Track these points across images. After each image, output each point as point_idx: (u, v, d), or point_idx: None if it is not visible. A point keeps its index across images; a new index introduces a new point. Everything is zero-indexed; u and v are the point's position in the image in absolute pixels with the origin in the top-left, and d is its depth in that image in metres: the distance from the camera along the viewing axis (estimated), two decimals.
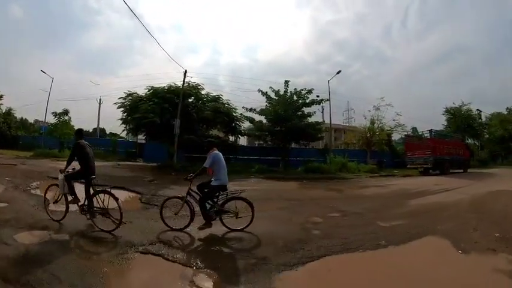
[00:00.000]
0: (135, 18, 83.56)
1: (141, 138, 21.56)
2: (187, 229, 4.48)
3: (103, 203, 4.37)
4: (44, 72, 22.97)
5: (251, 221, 4.51)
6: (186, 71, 15.83)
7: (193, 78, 16.63)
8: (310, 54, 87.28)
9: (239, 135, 18.26)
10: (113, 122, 47.10)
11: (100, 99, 30.12)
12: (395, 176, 16.24)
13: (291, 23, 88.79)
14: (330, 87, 19.06)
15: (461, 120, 28.97)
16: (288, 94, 16.44)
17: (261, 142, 18.99)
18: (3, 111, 29.62)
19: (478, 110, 30.71)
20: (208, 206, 4.52)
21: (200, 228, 4.41)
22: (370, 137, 19.97)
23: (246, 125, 18.32)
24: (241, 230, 4.50)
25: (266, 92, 16.66)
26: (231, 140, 18.19)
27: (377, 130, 20.32)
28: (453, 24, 74.63)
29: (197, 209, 4.60)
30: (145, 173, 12.61)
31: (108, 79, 66.94)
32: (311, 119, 16.57)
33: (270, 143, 17.24)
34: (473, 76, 71.76)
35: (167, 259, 3.42)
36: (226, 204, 4.62)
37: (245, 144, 23.42)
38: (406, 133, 24.15)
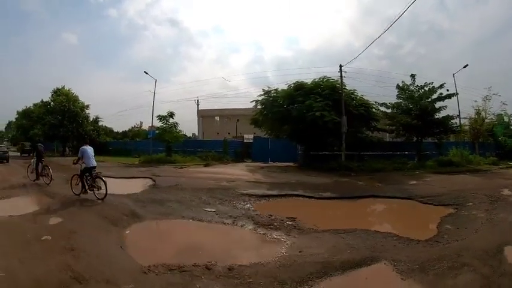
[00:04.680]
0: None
1: (247, 137, 23.44)
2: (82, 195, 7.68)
3: None
4: (146, 73, 25.52)
5: (105, 194, 7.33)
6: (341, 66, 16.82)
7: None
8: (358, 37, 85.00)
9: (373, 131, 19.20)
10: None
11: (198, 101, 33.09)
12: None
13: (333, 6, 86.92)
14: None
15: None
16: (417, 88, 17.82)
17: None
18: (92, 119, 33.02)
19: None
20: (86, 181, 7.72)
21: (82, 193, 7.72)
22: (479, 128, 20.81)
23: None
24: (101, 200, 7.30)
25: (403, 87, 18.00)
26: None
27: (480, 121, 21.16)
28: None
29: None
30: (324, 176, 12.95)
31: (162, 86, 73.41)
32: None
33: (399, 138, 18.65)
34: None
35: None
36: (97, 180, 7.63)
37: None
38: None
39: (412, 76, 18.15)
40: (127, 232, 5.30)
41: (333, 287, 3.34)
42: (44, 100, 33.61)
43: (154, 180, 11.41)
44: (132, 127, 44.99)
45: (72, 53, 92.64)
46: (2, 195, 8.18)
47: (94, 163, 7.88)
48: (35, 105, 35.75)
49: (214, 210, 6.78)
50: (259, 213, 6.46)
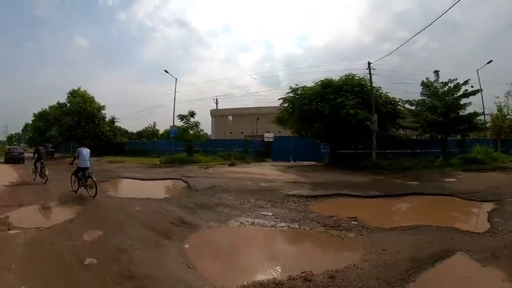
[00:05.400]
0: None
1: (268, 136, 24.06)
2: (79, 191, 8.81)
3: None
4: (167, 72, 26.35)
5: (95, 193, 8.26)
6: (369, 63, 17.11)
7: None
8: (368, 33, 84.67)
9: (397, 128, 19.72)
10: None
11: (216, 99, 34.21)
12: None
13: (342, 2, 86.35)
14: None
15: None
16: (442, 84, 18.26)
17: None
18: (108, 120, 34.00)
19: None
20: (80, 179, 8.78)
21: (76, 191, 8.90)
22: (501, 124, 21.22)
23: None
24: (92, 197, 8.21)
25: (427, 84, 18.47)
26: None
27: (502, 118, 21.55)
28: None
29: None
30: (358, 175, 13.05)
31: (173, 86, 75.40)
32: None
33: (426, 135, 19.25)
34: None
35: None
36: (88, 179, 8.59)
37: None
38: None
39: (436, 72, 18.61)
40: (186, 246, 4.65)
41: (433, 279, 3.61)
42: (60, 102, 34.72)
43: (186, 182, 11.37)
44: (146, 127, 46.20)
45: (84, 56, 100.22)
46: (23, 200, 7.96)
47: (86, 164, 8.92)
48: (50, 107, 36.89)
49: (271, 213, 6.63)
50: (319, 215, 6.43)
